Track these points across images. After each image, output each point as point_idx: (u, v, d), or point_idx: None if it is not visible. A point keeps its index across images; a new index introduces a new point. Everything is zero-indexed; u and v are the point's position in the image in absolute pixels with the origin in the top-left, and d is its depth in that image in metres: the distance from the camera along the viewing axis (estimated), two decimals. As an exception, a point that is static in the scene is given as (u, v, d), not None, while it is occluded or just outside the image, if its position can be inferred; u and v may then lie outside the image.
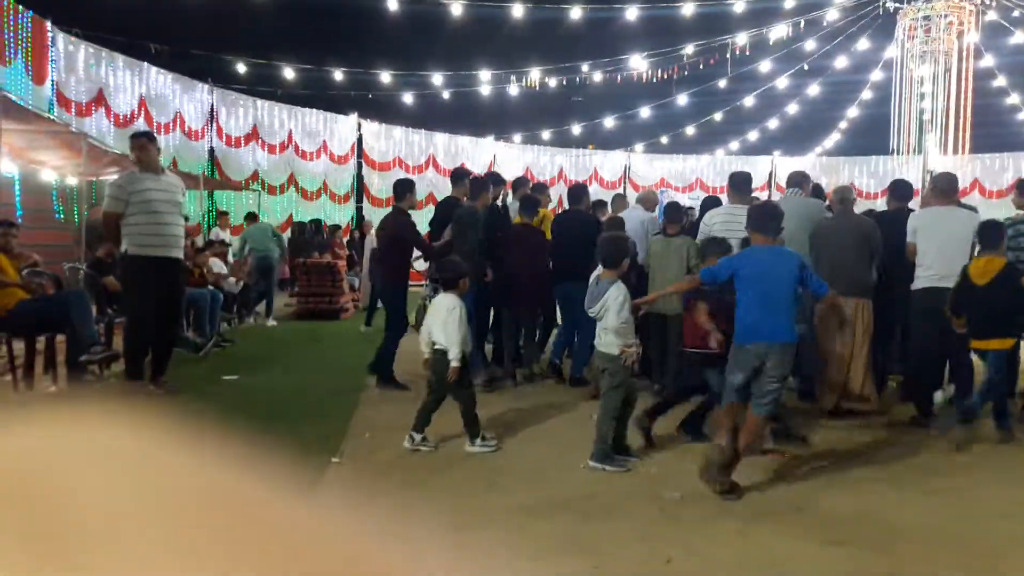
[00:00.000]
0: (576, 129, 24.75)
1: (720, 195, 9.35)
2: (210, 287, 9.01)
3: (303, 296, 12.49)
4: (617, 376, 4.54)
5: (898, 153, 22.01)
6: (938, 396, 5.97)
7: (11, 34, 12.04)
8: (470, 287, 5.24)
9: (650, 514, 3.78)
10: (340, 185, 21.66)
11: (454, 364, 4.66)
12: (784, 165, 25.47)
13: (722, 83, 22.64)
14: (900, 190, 6.70)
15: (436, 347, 4.77)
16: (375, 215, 20.21)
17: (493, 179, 8.07)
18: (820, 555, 3.32)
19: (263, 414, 5.59)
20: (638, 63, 21.07)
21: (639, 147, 26.06)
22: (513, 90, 21.45)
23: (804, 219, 5.87)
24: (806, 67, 22.53)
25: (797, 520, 3.74)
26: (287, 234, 17.75)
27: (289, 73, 18.84)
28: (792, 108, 24.23)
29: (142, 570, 0.28)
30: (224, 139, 18.78)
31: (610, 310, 4.49)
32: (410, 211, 7.05)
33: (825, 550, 3.37)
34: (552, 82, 21.53)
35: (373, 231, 12.51)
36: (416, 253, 7.18)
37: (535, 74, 21.07)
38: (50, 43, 13.33)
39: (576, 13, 18.56)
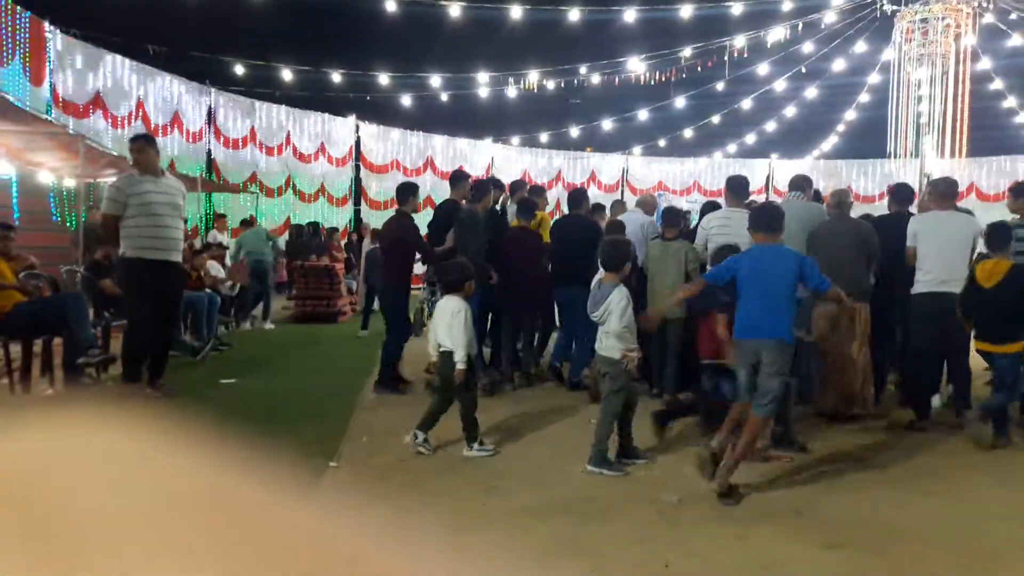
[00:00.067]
0: (574, 131, 24.79)
1: (718, 199, 9.36)
2: (207, 290, 9.00)
3: (301, 299, 12.48)
4: (618, 380, 4.54)
5: (895, 156, 22.07)
6: (936, 400, 5.97)
7: (9, 35, 12.03)
8: (474, 290, 5.26)
9: (648, 517, 3.78)
10: (338, 187, 21.66)
11: (460, 366, 4.68)
12: (782, 168, 25.51)
13: (720, 86, 22.70)
14: (900, 194, 6.72)
15: (441, 349, 4.79)
16: (373, 218, 20.23)
17: (493, 183, 8.08)
18: (819, 558, 3.32)
19: (261, 417, 5.58)
20: (636, 66, 21.11)
21: (637, 150, 26.10)
22: (511, 92, 21.47)
23: (805, 222, 5.88)
24: (804, 70, 22.58)
25: (796, 523, 3.74)
26: (284, 237, 17.78)
27: (287, 75, 18.85)
28: (790, 111, 24.29)
29: (141, 572, 0.28)
30: (222, 141, 18.77)
31: (612, 314, 4.49)
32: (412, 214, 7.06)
33: (824, 553, 3.37)
34: (550, 84, 21.56)
35: (369, 234, 12.54)
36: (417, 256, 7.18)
37: (533, 76, 21.10)
38: (48, 44, 13.32)
39: (574, 15, 18.60)
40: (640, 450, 4.78)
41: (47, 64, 13.28)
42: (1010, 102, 22.40)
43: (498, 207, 7.73)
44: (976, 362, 5.81)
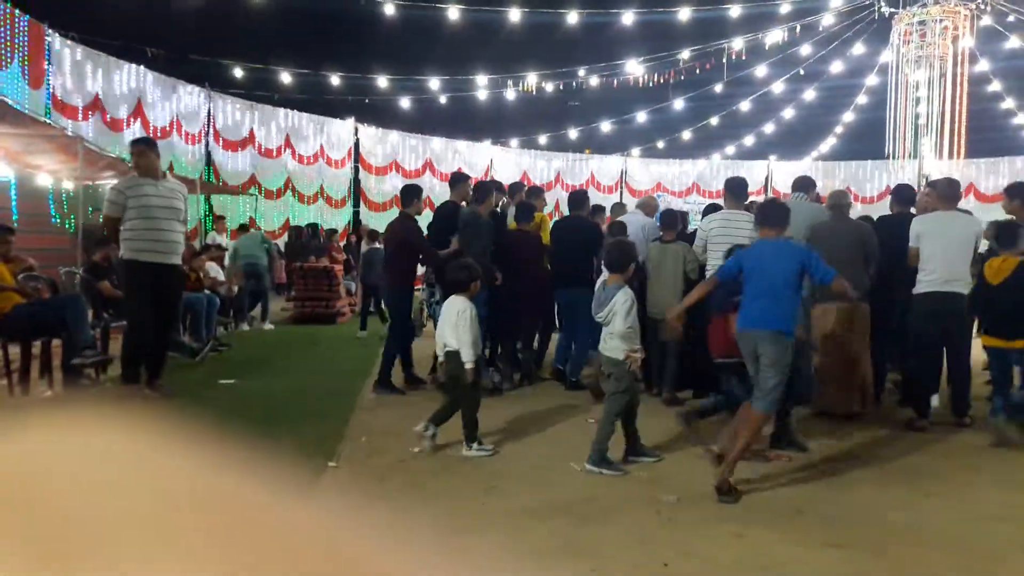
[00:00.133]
0: (573, 133, 24.79)
1: (718, 200, 9.38)
2: (206, 291, 8.99)
3: (300, 300, 12.48)
4: (622, 381, 4.56)
5: (894, 157, 22.08)
6: (935, 400, 5.98)
7: (8, 38, 12.03)
8: (481, 290, 5.28)
9: (648, 517, 3.78)
10: (337, 189, 21.66)
11: (468, 365, 4.74)
12: (780, 170, 25.53)
13: (718, 88, 22.70)
14: (902, 194, 6.74)
15: (447, 349, 4.84)
16: (372, 219, 20.23)
17: (495, 186, 8.09)
18: (819, 558, 3.32)
19: (260, 418, 5.58)
20: (634, 68, 21.12)
21: (635, 151, 26.10)
22: (510, 94, 21.48)
23: (807, 222, 5.90)
24: (802, 72, 22.61)
25: (795, 522, 3.74)
26: (284, 238, 17.79)
27: (286, 77, 18.86)
28: (788, 113, 24.30)
29: (140, 573, 0.28)
30: (221, 143, 18.77)
31: (617, 315, 4.51)
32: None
33: (823, 553, 3.37)
34: (549, 86, 21.57)
35: (366, 235, 12.55)
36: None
37: (532, 78, 21.11)
38: (47, 47, 13.32)
39: (573, 18, 18.61)
40: (647, 448, 4.79)
41: (46, 67, 13.28)
42: (1008, 104, 22.43)
43: (498, 210, 7.74)
44: (975, 362, 5.83)
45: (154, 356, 6.12)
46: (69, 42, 14.09)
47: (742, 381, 4.60)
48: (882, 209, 7.11)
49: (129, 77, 15.84)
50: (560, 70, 21.49)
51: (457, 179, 7.61)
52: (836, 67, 22.37)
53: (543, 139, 24.80)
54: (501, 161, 24.25)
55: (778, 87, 22.99)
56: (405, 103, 21.40)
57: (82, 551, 0.28)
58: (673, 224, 6.74)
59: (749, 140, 25.54)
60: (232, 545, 0.30)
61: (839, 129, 24.95)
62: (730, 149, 26.17)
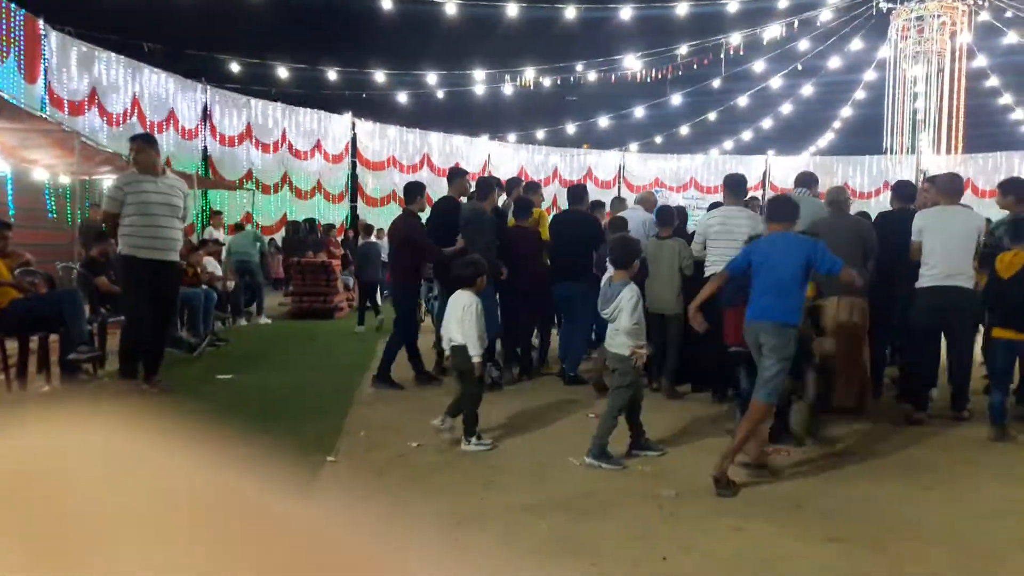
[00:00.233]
0: (571, 128, 24.80)
1: (715, 195, 9.39)
2: (204, 286, 8.98)
3: (297, 295, 12.48)
4: (627, 376, 4.58)
5: (891, 153, 22.11)
6: (934, 394, 6.01)
7: (3, 32, 12.00)
8: (487, 285, 5.29)
9: (647, 512, 3.78)
10: (334, 184, 21.64)
11: (476, 360, 4.77)
12: (778, 165, 25.54)
13: (716, 83, 22.70)
14: (902, 190, 6.75)
15: (453, 343, 4.87)
16: (369, 214, 20.22)
17: (496, 183, 8.09)
18: (817, 552, 3.32)
19: (258, 413, 5.58)
20: (632, 63, 21.12)
21: (633, 146, 26.12)
22: (507, 89, 21.47)
23: (809, 218, 5.91)
24: (800, 67, 22.61)
25: (794, 517, 3.75)
26: (281, 233, 17.79)
27: (283, 72, 18.84)
28: (786, 108, 24.31)
29: (138, 570, 0.28)
30: (218, 138, 18.75)
31: (623, 311, 4.52)
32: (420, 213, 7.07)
33: (821, 547, 3.37)
34: (546, 81, 21.56)
35: (362, 230, 12.56)
36: None
37: (529, 73, 21.09)
38: (43, 42, 13.28)
39: (570, 13, 18.59)
40: (651, 442, 4.80)
41: (42, 61, 13.24)
42: (1005, 99, 22.47)
43: (499, 206, 7.75)
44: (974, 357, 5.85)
45: (151, 351, 6.12)
46: (65, 37, 14.05)
47: (750, 375, 4.63)
48: (879, 205, 7.13)
49: (125, 72, 15.80)
50: (558, 65, 21.51)
51: (455, 174, 7.60)
52: (834, 62, 22.41)
53: (541, 134, 24.82)
54: (499, 156, 24.24)
55: (776, 82, 22.99)
56: (402, 98, 21.40)
57: (80, 549, 0.28)
58: (669, 220, 6.76)
59: (747, 135, 25.58)
60: (231, 541, 0.30)
61: (837, 124, 25.00)
62: (728, 144, 26.22)
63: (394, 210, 21.02)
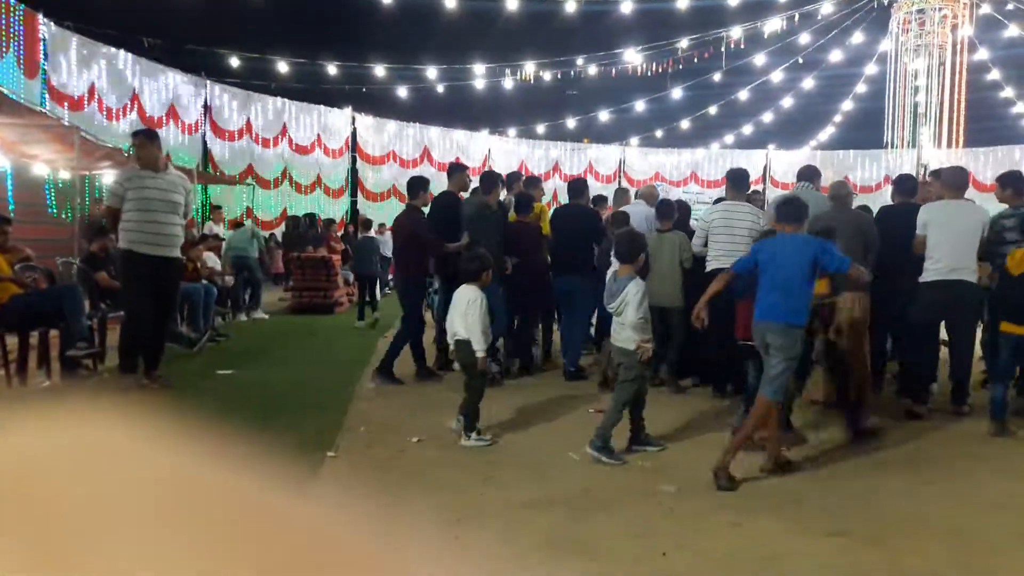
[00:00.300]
0: (571, 123, 24.75)
1: (714, 189, 9.38)
2: (204, 281, 8.98)
3: (297, 290, 12.48)
4: (632, 370, 4.59)
5: (892, 146, 22.06)
6: (934, 388, 6.01)
7: (2, 27, 11.97)
8: (492, 280, 5.30)
9: (647, 508, 3.78)
10: (334, 179, 21.62)
11: (480, 354, 4.78)
12: (779, 159, 25.51)
13: (717, 77, 22.65)
14: (904, 184, 6.75)
15: (457, 338, 4.88)
16: (369, 209, 20.20)
17: (499, 178, 8.08)
18: (816, 547, 3.33)
19: (258, 409, 5.58)
20: (632, 57, 21.06)
21: (634, 141, 26.08)
22: (508, 84, 21.42)
23: (813, 212, 5.91)
24: (800, 61, 22.56)
25: (793, 512, 3.75)
26: (281, 228, 17.78)
27: (283, 67, 18.79)
28: (787, 102, 24.26)
29: (139, 566, 0.28)
30: (218, 133, 18.72)
31: (629, 305, 4.53)
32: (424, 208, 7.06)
33: (821, 542, 3.37)
34: (547, 76, 21.51)
35: (361, 224, 12.56)
36: None
37: (529, 67, 21.05)
38: (42, 36, 13.26)
39: (571, 6, 18.54)
40: (652, 437, 4.81)
41: (41, 56, 13.22)
42: (1007, 92, 22.42)
43: (502, 201, 7.74)
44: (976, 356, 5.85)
45: (151, 347, 6.12)
46: (65, 31, 14.02)
47: (758, 370, 4.65)
48: (880, 198, 7.12)
49: (125, 66, 15.77)
50: (558, 59, 21.45)
51: (455, 169, 7.59)
52: (835, 56, 22.33)
53: (541, 128, 24.78)
54: (499, 150, 24.21)
55: (777, 76, 22.94)
56: (402, 92, 21.34)
57: (81, 546, 0.28)
58: (669, 214, 6.76)
59: (748, 129, 25.52)
60: (231, 536, 0.30)
61: (838, 118, 24.94)
62: (729, 138, 26.16)
63: (394, 205, 21.01)
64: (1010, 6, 20.16)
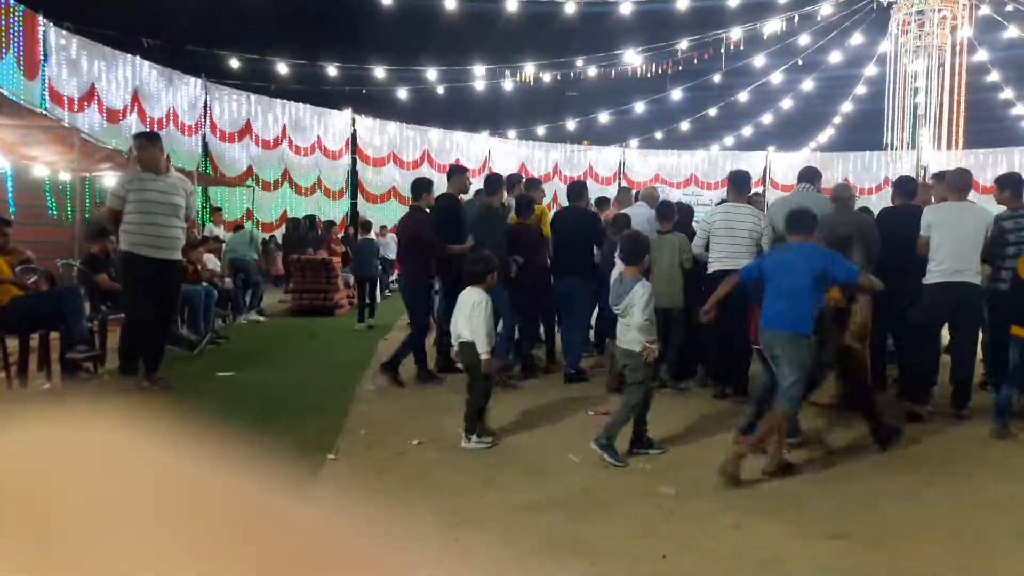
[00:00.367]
0: (571, 124, 24.76)
1: (714, 191, 9.38)
2: (204, 284, 8.98)
3: (297, 292, 12.48)
4: (639, 372, 4.60)
5: (892, 148, 22.07)
6: (935, 391, 6.01)
7: (2, 28, 11.98)
8: (497, 283, 5.30)
9: (647, 509, 3.78)
10: (334, 181, 21.63)
11: (484, 357, 4.77)
12: (779, 160, 25.52)
13: (716, 78, 22.66)
14: (904, 186, 6.75)
15: (461, 340, 4.87)
16: (369, 211, 20.20)
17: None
18: (817, 550, 3.32)
19: (258, 411, 5.58)
20: (632, 58, 21.08)
21: (633, 142, 26.08)
22: (507, 85, 21.43)
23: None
24: (800, 62, 22.58)
25: (794, 514, 3.75)
26: (281, 230, 17.78)
27: (283, 68, 18.80)
28: (786, 103, 24.28)
29: (139, 567, 0.28)
30: (217, 134, 18.73)
31: (636, 306, 4.54)
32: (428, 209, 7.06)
33: (821, 544, 3.37)
34: (546, 77, 21.53)
35: (361, 226, 12.57)
36: None
37: (529, 69, 21.06)
38: (42, 37, 13.27)
39: (570, 8, 18.56)
40: (654, 440, 4.81)
41: (41, 57, 13.23)
42: (1006, 94, 22.43)
43: (504, 203, 7.75)
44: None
45: (152, 349, 6.12)
46: (64, 32, 14.03)
47: (771, 371, 4.67)
48: (881, 200, 7.12)
49: (125, 68, 15.79)
50: (558, 60, 21.47)
51: (454, 171, 7.58)
52: (834, 57, 22.36)
53: (541, 130, 24.80)
54: (499, 152, 24.22)
55: (776, 78, 22.97)
56: (403, 94, 21.36)
57: (81, 547, 0.28)
58: (669, 215, 6.76)
59: (747, 131, 25.53)
60: (232, 538, 0.30)
61: (837, 120, 24.95)
62: (728, 140, 26.17)
63: (394, 206, 21.03)
64: (1009, 7, 20.18)
